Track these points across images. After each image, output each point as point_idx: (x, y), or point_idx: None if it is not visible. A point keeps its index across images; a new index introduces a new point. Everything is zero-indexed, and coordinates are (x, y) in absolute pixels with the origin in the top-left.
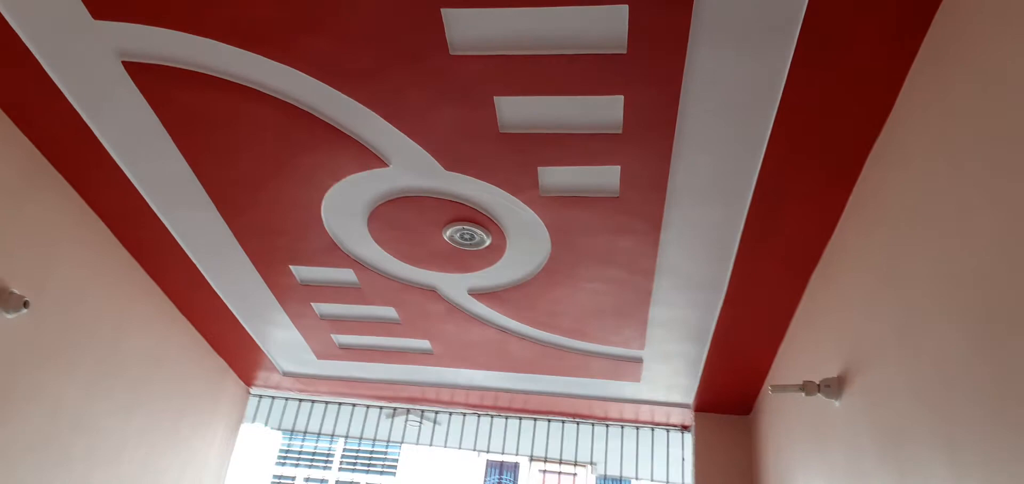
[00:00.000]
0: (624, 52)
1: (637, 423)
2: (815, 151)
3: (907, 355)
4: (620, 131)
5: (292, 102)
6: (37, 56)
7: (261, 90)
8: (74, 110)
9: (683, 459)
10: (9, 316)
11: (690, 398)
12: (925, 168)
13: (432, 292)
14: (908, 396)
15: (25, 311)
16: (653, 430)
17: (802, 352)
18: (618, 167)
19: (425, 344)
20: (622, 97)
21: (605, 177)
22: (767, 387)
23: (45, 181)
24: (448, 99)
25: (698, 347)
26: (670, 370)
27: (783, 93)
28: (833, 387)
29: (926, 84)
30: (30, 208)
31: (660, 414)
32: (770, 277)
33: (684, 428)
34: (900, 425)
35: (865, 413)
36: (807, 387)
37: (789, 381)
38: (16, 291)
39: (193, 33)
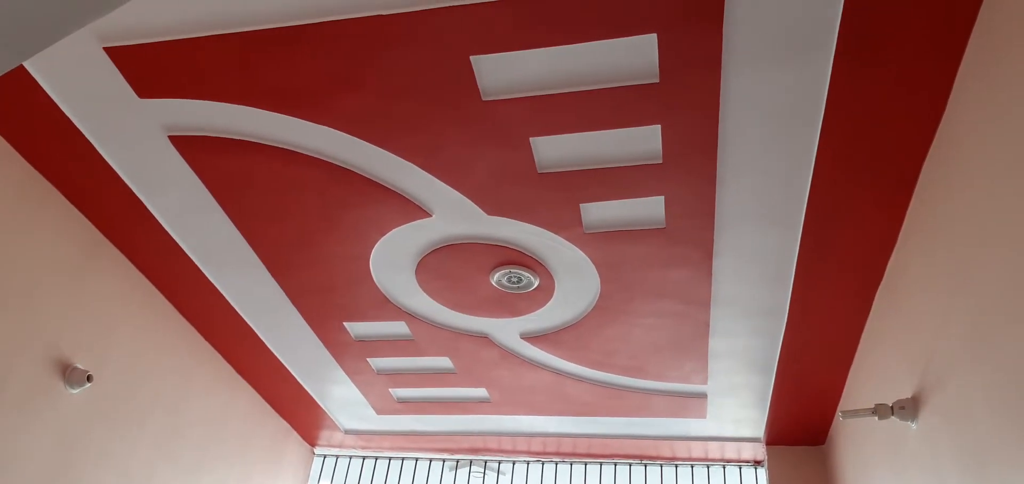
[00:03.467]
0: (657, 81)
1: (707, 461)
2: (867, 163)
3: (985, 368)
4: (660, 161)
5: (333, 161)
6: (89, 138)
7: (302, 152)
8: (126, 186)
9: None
10: (74, 391)
11: (760, 431)
12: (986, 168)
13: (484, 338)
14: (989, 412)
15: (89, 385)
16: (725, 467)
17: (874, 374)
18: (662, 197)
19: (482, 392)
20: (659, 126)
21: (650, 208)
22: (839, 414)
23: (103, 257)
24: (485, 145)
25: (764, 377)
26: (737, 403)
27: (826, 106)
28: (908, 408)
29: (977, 82)
30: (90, 284)
31: (730, 450)
32: (833, 297)
33: (756, 463)
34: (983, 443)
35: (944, 433)
36: (879, 410)
37: (861, 405)
38: (80, 366)
39: (234, 103)
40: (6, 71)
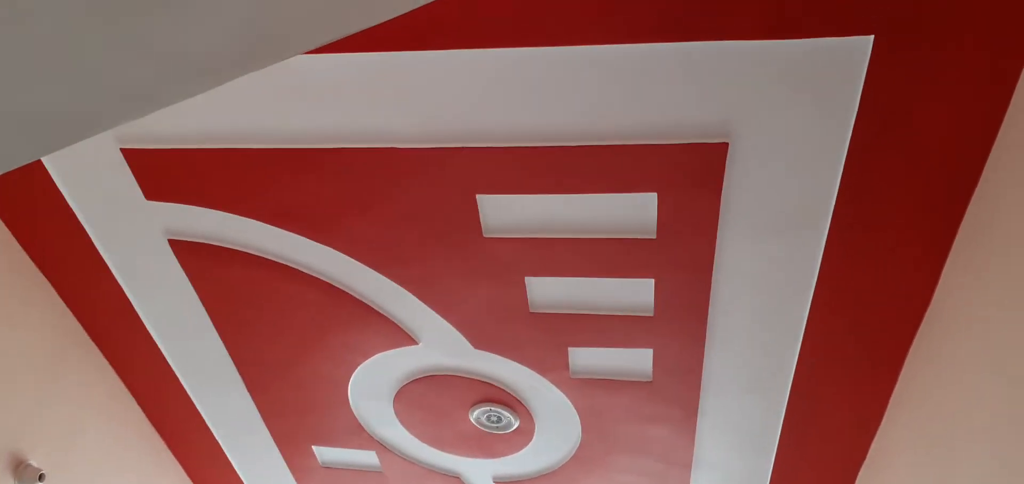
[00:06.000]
0: (653, 237)
1: None
2: (854, 340)
3: None
4: (652, 314)
5: (328, 280)
6: (87, 230)
7: (299, 269)
8: (117, 283)
9: None
10: None
11: None
12: (971, 357)
13: (456, 479)
14: None
15: None
16: None
17: None
18: (650, 350)
19: None
20: (652, 280)
21: (638, 360)
22: None
23: (79, 351)
24: (480, 279)
25: None
26: None
27: (817, 281)
28: None
29: (966, 269)
30: (61, 378)
31: None
32: (815, 472)
33: None
34: None
35: None
36: None
37: None
38: (33, 464)
39: (240, 215)
40: (27, 163)
